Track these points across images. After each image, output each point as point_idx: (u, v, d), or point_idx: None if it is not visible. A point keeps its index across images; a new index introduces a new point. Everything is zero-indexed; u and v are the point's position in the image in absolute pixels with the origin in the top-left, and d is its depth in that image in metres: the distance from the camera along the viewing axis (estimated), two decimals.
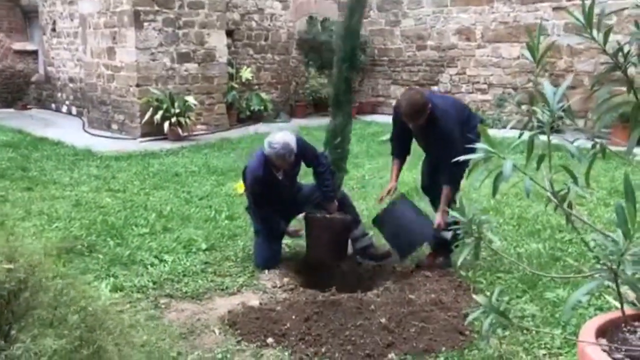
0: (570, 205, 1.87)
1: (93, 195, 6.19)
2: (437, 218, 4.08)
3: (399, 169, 4.40)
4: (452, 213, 1.92)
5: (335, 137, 4.31)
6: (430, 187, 4.36)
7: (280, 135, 4.02)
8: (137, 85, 9.79)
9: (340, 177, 4.42)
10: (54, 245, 4.53)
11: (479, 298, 1.89)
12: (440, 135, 3.94)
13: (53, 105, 13.33)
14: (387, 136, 4.15)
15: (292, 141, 3.98)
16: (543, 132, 1.76)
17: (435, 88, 11.68)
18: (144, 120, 9.68)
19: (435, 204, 4.28)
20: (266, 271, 4.19)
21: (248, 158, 4.34)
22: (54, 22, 12.86)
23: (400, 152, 4.37)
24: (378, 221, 4.34)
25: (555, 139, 1.82)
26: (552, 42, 2.01)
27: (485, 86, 11.10)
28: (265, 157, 4.01)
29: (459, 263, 2.15)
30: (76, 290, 3.50)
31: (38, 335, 1.99)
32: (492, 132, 1.94)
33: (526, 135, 1.80)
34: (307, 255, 4.31)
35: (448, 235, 3.96)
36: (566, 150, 1.79)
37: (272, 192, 4.12)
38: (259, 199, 4.14)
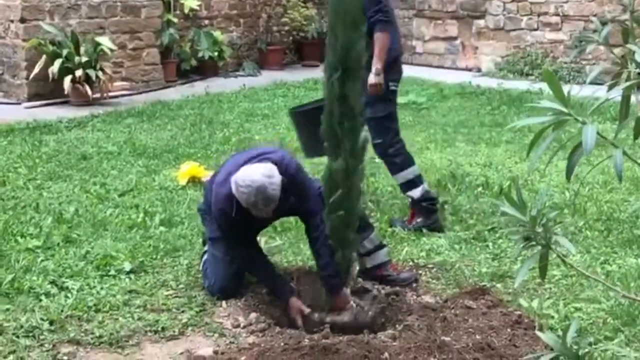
0: None
1: None
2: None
3: None
4: (505, 209, 1.94)
5: (334, 190, 3.98)
6: None
7: (253, 170, 3.88)
8: (22, 20, 9.74)
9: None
10: None
11: (548, 338, 1.91)
12: None
13: None
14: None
15: (270, 183, 3.83)
16: None
17: (481, 23, 11.69)
18: (32, 75, 9.64)
19: None
20: (224, 303, 4.20)
21: (214, 178, 4.32)
22: None
23: None
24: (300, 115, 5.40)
25: None
26: None
27: (557, 19, 11.13)
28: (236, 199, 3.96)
29: (516, 284, 2.16)
30: None
31: None
32: (568, 88, 1.95)
33: (617, 90, 1.81)
34: None
35: (416, 193, 5.31)
36: None
37: (251, 226, 4.22)
38: (231, 236, 4.21)
